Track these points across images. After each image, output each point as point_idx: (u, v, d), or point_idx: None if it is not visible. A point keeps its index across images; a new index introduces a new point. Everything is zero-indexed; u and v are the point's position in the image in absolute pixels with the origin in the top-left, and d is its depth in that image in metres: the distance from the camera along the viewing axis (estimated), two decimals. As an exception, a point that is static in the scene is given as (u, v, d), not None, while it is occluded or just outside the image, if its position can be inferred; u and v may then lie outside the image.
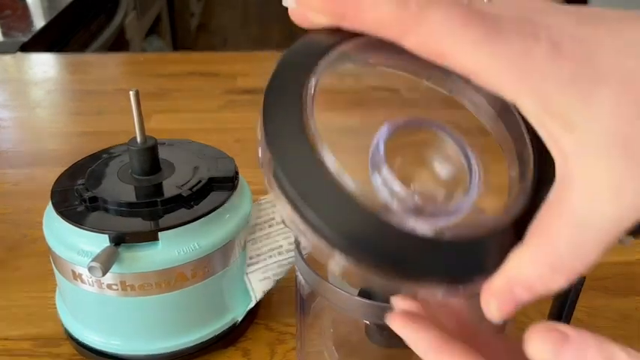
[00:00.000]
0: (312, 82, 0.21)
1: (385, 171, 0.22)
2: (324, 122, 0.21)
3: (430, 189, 0.24)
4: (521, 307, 0.20)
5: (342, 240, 0.19)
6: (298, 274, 0.36)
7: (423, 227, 0.20)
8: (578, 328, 0.19)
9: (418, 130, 0.24)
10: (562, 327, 0.19)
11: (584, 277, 0.33)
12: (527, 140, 0.22)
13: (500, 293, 0.20)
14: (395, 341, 0.36)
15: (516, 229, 0.20)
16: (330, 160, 0.20)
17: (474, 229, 0.21)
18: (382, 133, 0.23)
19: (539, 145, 0.20)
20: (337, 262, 0.20)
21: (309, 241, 0.20)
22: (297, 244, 0.35)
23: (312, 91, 0.21)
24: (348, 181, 0.20)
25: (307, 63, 0.22)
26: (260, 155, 0.21)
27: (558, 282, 0.19)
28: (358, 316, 0.35)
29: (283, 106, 0.21)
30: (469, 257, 0.20)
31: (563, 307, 0.35)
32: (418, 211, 0.22)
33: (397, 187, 0.22)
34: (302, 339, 0.41)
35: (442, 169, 0.24)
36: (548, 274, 0.19)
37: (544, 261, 0.19)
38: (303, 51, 0.22)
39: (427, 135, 0.24)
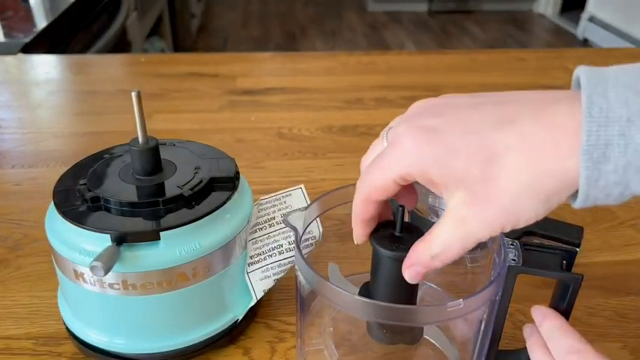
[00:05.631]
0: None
1: None
2: None
3: None
4: (423, 275, 0.31)
5: None
6: (298, 273, 0.36)
7: None
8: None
9: None
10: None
11: (582, 276, 0.33)
12: None
13: (408, 268, 0.32)
14: (396, 338, 0.36)
15: None
16: None
17: None
18: None
19: None
20: None
21: None
22: (298, 243, 0.36)
23: None
24: None
25: None
26: None
27: (436, 264, 0.30)
28: (359, 315, 0.35)
29: None
30: None
31: (560, 306, 0.35)
32: None
33: None
34: (302, 337, 0.42)
35: None
36: (430, 260, 0.30)
37: (428, 252, 0.30)
38: None
39: None
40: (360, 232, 0.34)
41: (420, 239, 0.31)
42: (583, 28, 3.56)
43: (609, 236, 0.58)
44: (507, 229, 0.28)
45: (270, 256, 0.43)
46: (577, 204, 0.27)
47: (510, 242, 0.35)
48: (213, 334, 0.42)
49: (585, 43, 3.52)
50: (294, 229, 0.37)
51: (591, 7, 3.47)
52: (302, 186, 0.45)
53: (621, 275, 0.52)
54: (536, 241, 0.52)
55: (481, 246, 0.31)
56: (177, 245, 0.38)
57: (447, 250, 0.29)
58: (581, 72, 0.27)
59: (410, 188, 0.34)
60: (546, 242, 0.52)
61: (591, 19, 3.48)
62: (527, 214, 0.28)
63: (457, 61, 1.07)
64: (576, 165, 0.26)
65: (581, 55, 1.13)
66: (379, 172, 0.30)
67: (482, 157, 0.27)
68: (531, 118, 0.27)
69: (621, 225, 0.60)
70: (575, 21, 3.69)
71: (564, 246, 0.35)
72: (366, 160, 0.33)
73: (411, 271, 0.31)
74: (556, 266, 0.35)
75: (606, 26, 3.31)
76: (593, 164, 0.25)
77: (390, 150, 0.30)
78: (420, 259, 0.31)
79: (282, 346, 0.44)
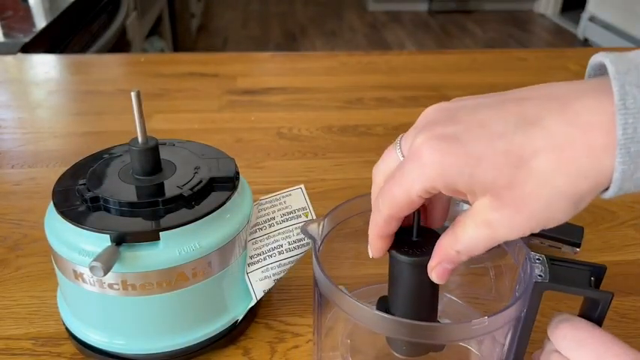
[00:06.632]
0: None
1: None
2: None
3: None
4: (450, 272, 0.31)
5: None
6: (318, 286, 0.35)
7: None
8: None
9: None
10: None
11: (612, 294, 0.32)
12: None
13: (435, 267, 0.31)
14: (416, 350, 0.35)
15: None
16: None
17: None
18: None
19: None
20: None
21: None
22: (317, 253, 0.34)
23: None
24: None
25: None
26: None
27: (462, 258, 0.30)
28: (380, 331, 0.34)
29: None
30: None
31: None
32: None
33: None
34: (319, 350, 0.41)
35: None
36: (456, 255, 0.30)
37: (453, 247, 0.29)
38: None
39: None
40: (379, 246, 0.33)
41: (444, 234, 0.30)
42: (583, 28, 3.56)
43: (609, 236, 0.58)
44: (536, 232, 0.27)
45: (270, 256, 0.43)
46: (607, 196, 0.26)
47: (537, 257, 0.33)
48: (213, 334, 0.42)
49: (585, 42, 3.53)
50: (313, 239, 0.36)
51: (591, 7, 3.47)
52: (302, 186, 0.45)
53: (621, 275, 0.52)
54: (537, 241, 0.52)
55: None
56: (176, 245, 0.38)
57: (471, 248, 0.29)
58: (606, 59, 0.25)
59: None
60: (547, 242, 0.52)
61: (592, 19, 3.48)
62: (557, 218, 0.27)
63: (457, 61, 1.07)
64: (611, 163, 0.25)
65: (582, 55, 1.13)
66: (401, 189, 0.29)
67: (509, 163, 0.26)
68: (557, 116, 0.26)
69: (621, 225, 0.60)
70: (576, 21, 3.69)
71: (592, 262, 0.34)
72: (378, 168, 0.32)
73: (438, 270, 0.30)
74: (584, 282, 0.33)
75: (607, 26, 3.31)
76: (630, 159, 0.24)
77: (410, 164, 0.29)
78: (447, 255, 0.30)
79: (282, 346, 0.44)
